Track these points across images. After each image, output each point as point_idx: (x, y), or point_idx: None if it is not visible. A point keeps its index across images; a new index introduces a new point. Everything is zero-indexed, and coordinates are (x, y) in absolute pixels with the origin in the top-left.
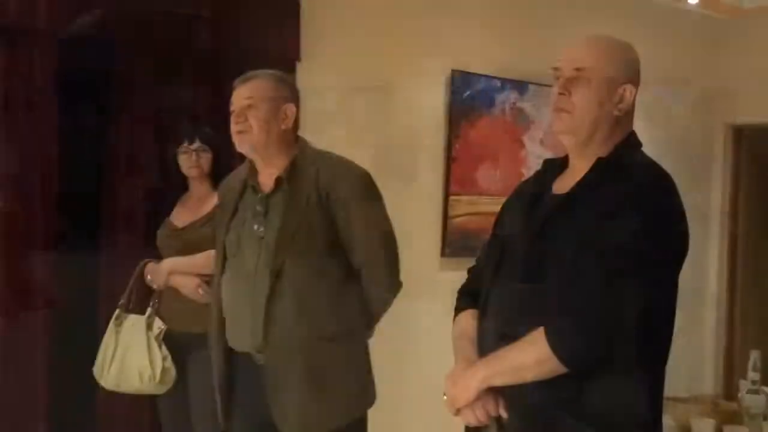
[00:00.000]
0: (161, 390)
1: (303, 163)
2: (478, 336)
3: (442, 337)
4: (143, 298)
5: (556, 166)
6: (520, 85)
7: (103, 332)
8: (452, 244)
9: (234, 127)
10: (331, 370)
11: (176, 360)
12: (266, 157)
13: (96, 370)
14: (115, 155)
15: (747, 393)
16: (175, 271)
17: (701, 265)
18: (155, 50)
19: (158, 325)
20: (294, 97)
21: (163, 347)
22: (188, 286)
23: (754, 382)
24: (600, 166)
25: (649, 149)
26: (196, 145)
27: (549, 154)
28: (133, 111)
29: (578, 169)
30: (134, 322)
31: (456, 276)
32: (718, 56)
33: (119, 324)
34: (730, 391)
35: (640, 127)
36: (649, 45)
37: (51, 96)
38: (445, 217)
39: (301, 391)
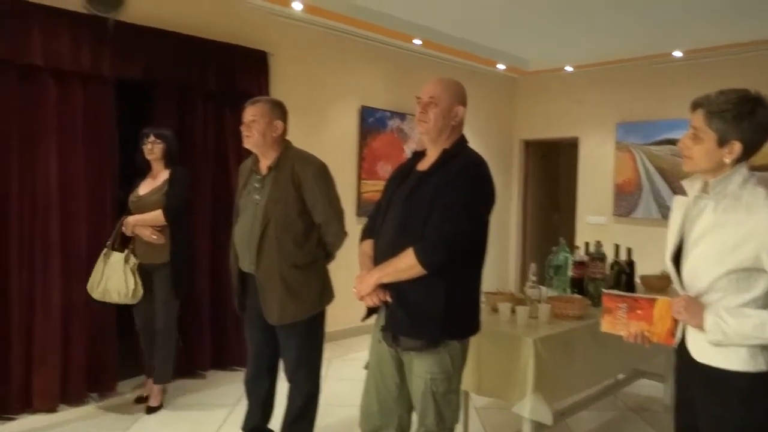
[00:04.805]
0: (133, 302)
1: (285, 157)
2: (374, 254)
3: (355, 256)
4: (124, 242)
5: (419, 154)
6: (401, 115)
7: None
8: (362, 208)
9: (243, 133)
10: (296, 284)
11: (145, 279)
12: (262, 153)
13: (88, 286)
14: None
15: (529, 288)
16: (136, 223)
17: (508, 214)
18: (180, 90)
19: (133, 260)
20: (283, 116)
21: (136, 275)
22: (144, 233)
23: (533, 282)
24: (445, 154)
25: (479, 149)
26: (152, 138)
27: None
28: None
29: (432, 156)
30: (117, 258)
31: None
32: (515, 99)
33: (107, 257)
34: (522, 287)
35: (471, 138)
36: (475, 92)
37: (113, 126)
38: (359, 192)
39: (277, 296)
